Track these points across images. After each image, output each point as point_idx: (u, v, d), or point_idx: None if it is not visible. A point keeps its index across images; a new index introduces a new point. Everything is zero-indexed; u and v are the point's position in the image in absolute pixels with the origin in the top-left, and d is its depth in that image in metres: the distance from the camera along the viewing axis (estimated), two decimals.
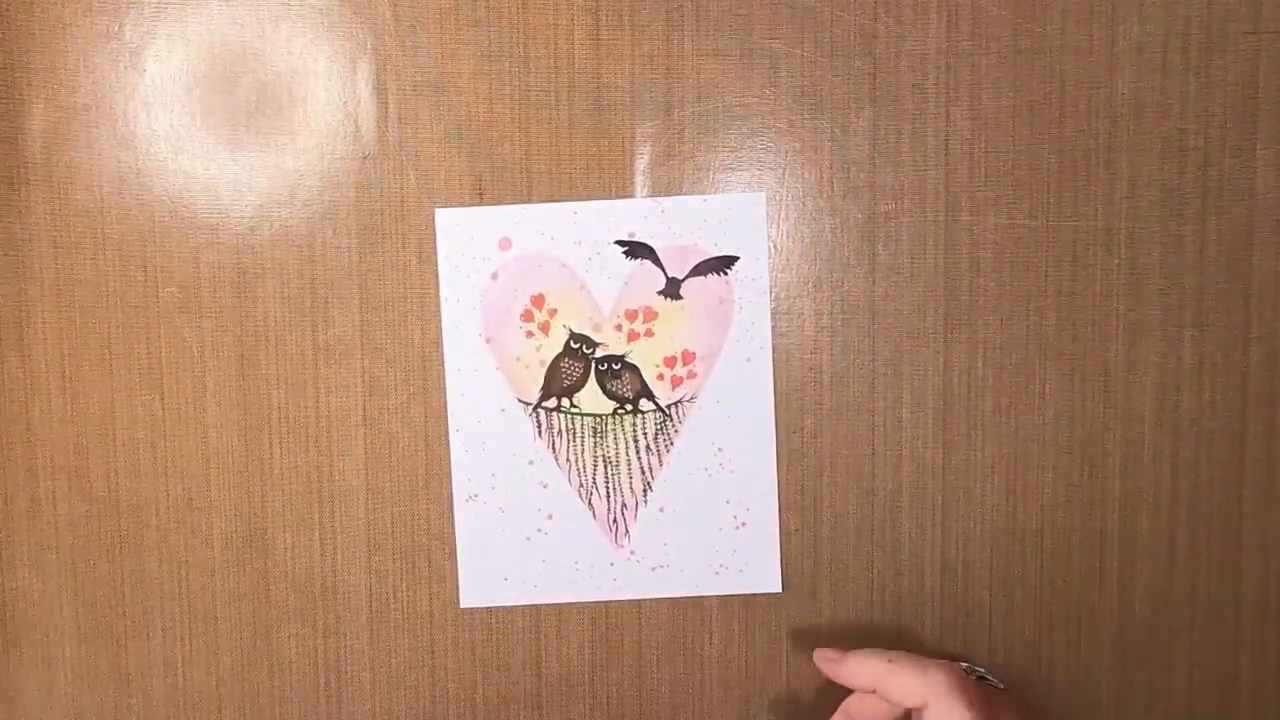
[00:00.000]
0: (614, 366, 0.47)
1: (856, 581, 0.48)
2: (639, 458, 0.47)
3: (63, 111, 0.46)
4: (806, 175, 0.47)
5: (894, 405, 0.47)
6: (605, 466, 0.47)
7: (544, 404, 0.47)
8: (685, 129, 0.46)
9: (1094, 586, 0.48)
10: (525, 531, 0.47)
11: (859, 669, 0.44)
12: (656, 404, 0.47)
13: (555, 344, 0.47)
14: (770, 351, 0.47)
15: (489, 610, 0.48)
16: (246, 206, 0.46)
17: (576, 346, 0.46)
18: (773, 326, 0.47)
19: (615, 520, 0.47)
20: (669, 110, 0.46)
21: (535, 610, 0.48)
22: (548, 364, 0.47)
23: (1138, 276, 0.47)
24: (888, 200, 0.47)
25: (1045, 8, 0.46)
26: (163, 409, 0.47)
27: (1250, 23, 0.46)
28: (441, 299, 0.46)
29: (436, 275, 0.46)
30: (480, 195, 0.46)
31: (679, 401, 0.47)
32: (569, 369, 0.47)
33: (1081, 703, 0.48)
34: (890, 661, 0.43)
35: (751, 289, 0.47)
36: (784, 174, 0.47)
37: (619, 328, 0.47)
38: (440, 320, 0.46)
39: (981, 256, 0.47)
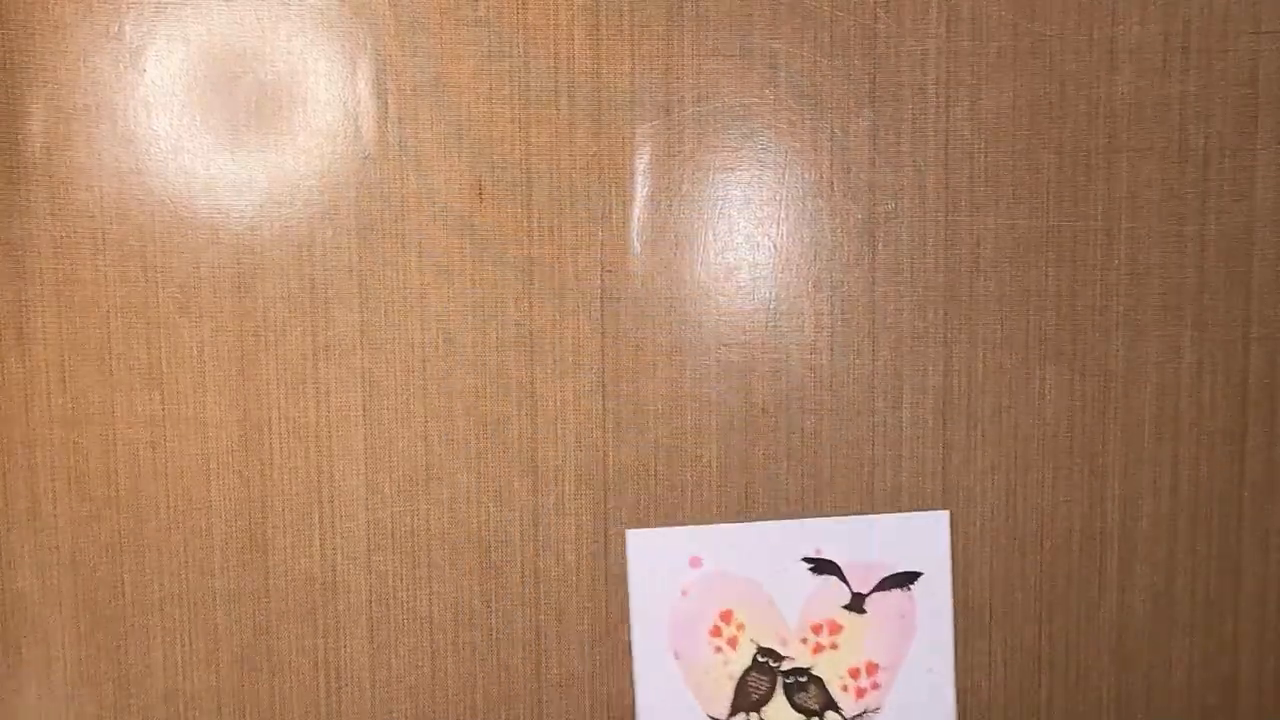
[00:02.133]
0: (800, 679, 0.47)
1: None
2: None
3: (63, 111, 0.46)
4: (806, 175, 0.47)
5: (894, 405, 0.47)
6: None
7: (733, 719, 0.47)
8: (685, 129, 0.46)
9: (1094, 586, 0.48)
10: None
11: None
12: (842, 715, 0.47)
13: (743, 658, 0.47)
14: (952, 663, 0.47)
15: (489, 610, 0.48)
16: (246, 206, 0.46)
17: (764, 660, 0.47)
18: (953, 636, 0.48)
19: None
20: (669, 110, 0.46)
21: (535, 610, 0.48)
22: (736, 678, 0.47)
23: (1138, 276, 0.47)
24: (888, 200, 0.47)
25: (1045, 8, 0.46)
26: (163, 409, 0.47)
27: (1250, 23, 0.46)
28: (631, 615, 0.47)
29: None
30: (480, 195, 0.46)
31: (864, 713, 0.48)
32: (757, 683, 0.47)
33: (1081, 703, 0.48)
34: None
35: (932, 602, 0.47)
36: (784, 174, 0.47)
37: (804, 641, 0.47)
38: (630, 636, 0.47)
39: (981, 256, 0.47)
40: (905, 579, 0.47)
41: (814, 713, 0.47)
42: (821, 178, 0.47)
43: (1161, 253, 0.47)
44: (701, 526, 0.46)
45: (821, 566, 0.47)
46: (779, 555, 0.47)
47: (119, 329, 0.47)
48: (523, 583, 0.48)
